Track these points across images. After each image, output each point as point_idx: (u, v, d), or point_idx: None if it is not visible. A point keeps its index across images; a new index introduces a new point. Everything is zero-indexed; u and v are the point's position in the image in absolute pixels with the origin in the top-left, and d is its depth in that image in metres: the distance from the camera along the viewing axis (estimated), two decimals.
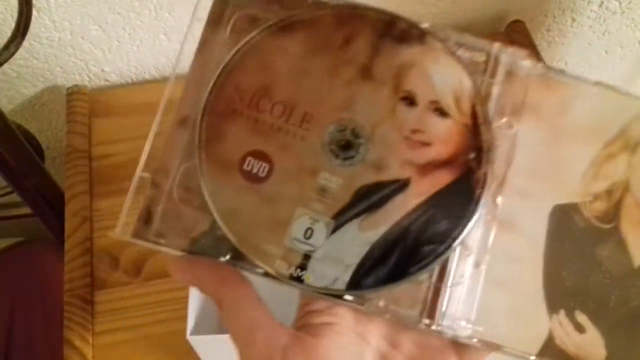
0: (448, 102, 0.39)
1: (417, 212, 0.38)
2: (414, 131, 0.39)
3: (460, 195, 0.39)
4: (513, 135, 0.39)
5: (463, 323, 0.38)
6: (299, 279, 0.38)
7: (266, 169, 0.38)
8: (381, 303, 0.38)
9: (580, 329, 0.39)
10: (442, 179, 0.39)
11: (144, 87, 1.05)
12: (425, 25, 0.39)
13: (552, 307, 0.39)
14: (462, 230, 0.38)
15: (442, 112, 0.39)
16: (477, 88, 0.39)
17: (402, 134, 0.39)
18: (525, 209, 0.39)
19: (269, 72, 0.39)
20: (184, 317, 0.66)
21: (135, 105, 0.99)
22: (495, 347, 0.39)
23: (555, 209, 0.40)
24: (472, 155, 0.39)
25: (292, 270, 0.38)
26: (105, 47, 0.98)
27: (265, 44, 0.39)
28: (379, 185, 0.38)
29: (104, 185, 0.92)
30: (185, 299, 0.67)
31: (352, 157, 0.39)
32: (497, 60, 0.40)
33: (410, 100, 0.39)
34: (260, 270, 0.38)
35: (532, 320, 0.39)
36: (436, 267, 0.38)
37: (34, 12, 0.80)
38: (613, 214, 0.40)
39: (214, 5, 0.40)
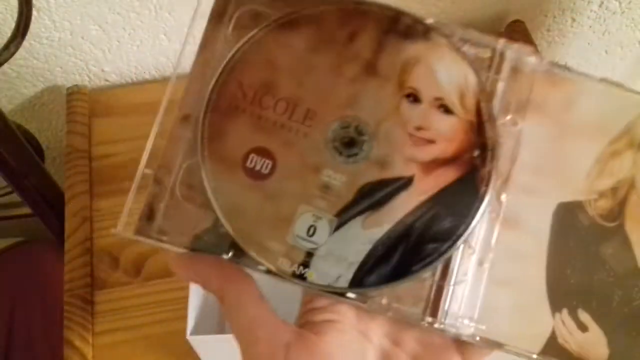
0: (453, 99, 0.39)
1: (421, 210, 0.38)
2: (418, 128, 0.39)
3: (465, 193, 0.38)
4: (518, 133, 0.39)
5: (466, 321, 0.38)
6: (301, 277, 0.37)
7: (269, 166, 0.38)
8: (384, 301, 0.38)
9: (582, 327, 0.39)
10: (446, 176, 0.38)
11: (144, 87, 1.05)
12: (430, 21, 0.39)
13: (555, 305, 0.39)
14: (466, 229, 0.38)
15: (446, 109, 0.39)
16: (482, 85, 0.39)
17: (406, 131, 0.39)
18: (529, 206, 0.39)
19: (272, 68, 0.39)
20: (184, 317, 0.66)
21: (135, 105, 0.99)
22: (497, 346, 0.39)
23: (559, 207, 0.39)
24: (476, 153, 0.38)
25: (294, 268, 0.37)
26: (105, 47, 0.98)
27: (268, 40, 0.39)
28: (382, 183, 0.38)
29: (104, 185, 0.92)
30: (185, 299, 0.67)
31: (356, 154, 0.38)
32: (502, 57, 0.40)
33: (414, 97, 0.39)
34: (263, 268, 0.37)
35: (535, 318, 0.39)
36: (439, 265, 0.38)
37: (34, 12, 0.80)
38: (618, 212, 0.40)
39: (217, 1, 0.39)
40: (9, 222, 1.13)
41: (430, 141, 0.39)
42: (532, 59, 0.40)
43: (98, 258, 0.86)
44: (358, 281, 0.37)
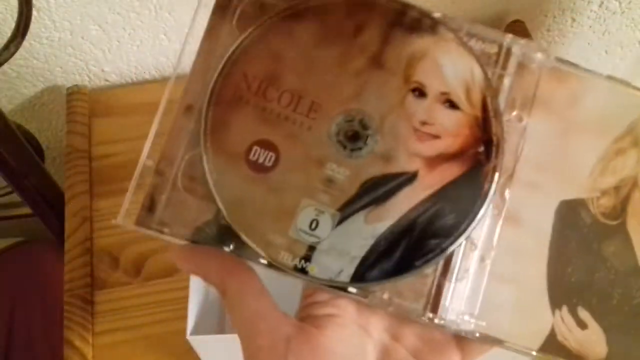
0: (458, 94, 0.39)
1: (424, 206, 0.38)
2: (424, 123, 0.38)
3: (469, 189, 0.38)
4: (522, 129, 0.39)
5: (466, 317, 0.38)
6: (303, 271, 0.37)
7: (272, 159, 0.38)
8: (385, 296, 0.38)
9: (582, 325, 0.39)
10: (451, 172, 0.38)
11: (144, 87, 1.05)
12: (437, 14, 0.39)
13: (555, 302, 0.39)
14: (469, 225, 0.38)
15: (452, 104, 0.39)
16: (488, 80, 0.39)
17: (411, 126, 0.38)
18: (532, 203, 0.39)
19: (277, 60, 0.39)
20: (184, 317, 0.66)
21: (135, 105, 0.99)
22: (497, 342, 0.39)
23: (562, 205, 0.39)
24: (481, 149, 0.38)
25: (296, 262, 0.37)
26: (105, 47, 0.98)
27: (273, 32, 0.39)
28: (386, 178, 0.38)
29: (104, 185, 0.92)
30: (185, 299, 0.67)
31: (360, 148, 0.38)
32: (509, 52, 0.39)
33: (420, 92, 0.39)
34: (264, 261, 0.37)
35: (534, 315, 0.39)
36: (441, 261, 0.38)
37: (34, 12, 0.80)
38: (620, 210, 0.40)
39: None
40: (9, 222, 1.13)
41: (435, 136, 0.38)
42: (538, 55, 0.40)
43: (98, 258, 0.86)
44: (360, 276, 0.37)
